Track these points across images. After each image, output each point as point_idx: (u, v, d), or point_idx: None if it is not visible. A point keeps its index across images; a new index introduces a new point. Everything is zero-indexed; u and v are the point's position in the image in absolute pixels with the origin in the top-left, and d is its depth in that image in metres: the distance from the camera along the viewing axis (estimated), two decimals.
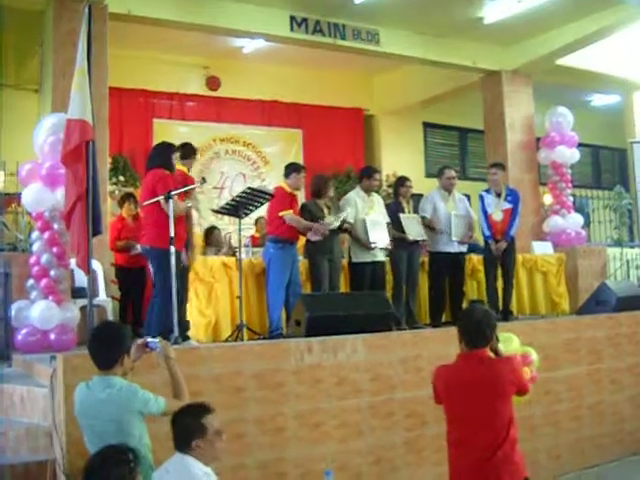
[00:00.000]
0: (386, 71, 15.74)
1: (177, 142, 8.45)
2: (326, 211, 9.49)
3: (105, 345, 4.72)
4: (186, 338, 7.87)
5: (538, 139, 14.00)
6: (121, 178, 12.86)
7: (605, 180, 20.08)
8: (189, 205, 7.80)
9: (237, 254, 8.84)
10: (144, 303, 10.20)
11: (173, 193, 7.23)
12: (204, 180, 7.97)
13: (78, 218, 6.75)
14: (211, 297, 8.78)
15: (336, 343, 6.94)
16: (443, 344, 7.61)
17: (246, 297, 8.94)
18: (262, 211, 10.50)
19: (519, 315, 11.38)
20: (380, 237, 9.54)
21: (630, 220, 15.89)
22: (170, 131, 13.78)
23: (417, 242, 10.01)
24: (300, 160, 14.17)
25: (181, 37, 12.82)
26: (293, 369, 6.69)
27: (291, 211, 8.95)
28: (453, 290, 10.33)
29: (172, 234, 7.12)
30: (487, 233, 10.27)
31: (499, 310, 9.98)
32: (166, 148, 8.05)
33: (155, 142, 13.24)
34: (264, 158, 15.09)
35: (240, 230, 8.45)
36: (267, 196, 8.37)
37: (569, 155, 13.48)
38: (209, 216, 12.01)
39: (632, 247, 15.02)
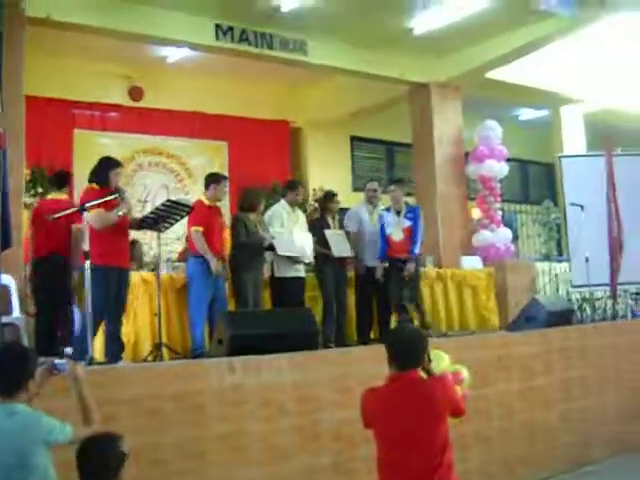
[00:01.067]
0: (313, 83, 15.44)
1: (99, 154, 8.15)
2: (259, 227, 9.25)
3: (6, 369, 4.32)
4: (118, 359, 7.57)
5: (466, 154, 13.86)
6: (39, 190, 12.35)
7: (533, 195, 20.05)
8: (119, 214, 7.45)
9: (151, 268, 8.53)
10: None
11: (87, 205, 6.94)
12: (119, 190, 7.56)
13: None
14: (129, 314, 8.38)
15: (259, 362, 6.62)
16: (373, 362, 7.30)
17: (167, 314, 8.64)
18: None
19: (448, 331, 11.23)
20: (307, 251, 9.31)
21: (559, 235, 15.87)
22: (91, 142, 13.40)
23: (343, 259, 9.80)
24: (225, 173, 13.83)
25: (103, 45, 12.38)
26: (214, 390, 6.34)
27: (200, 228, 8.61)
28: (380, 306, 10.10)
29: (86, 248, 6.80)
30: (381, 254, 10.03)
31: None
32: (103, 164, 7.86)
33: (75, 153, 13.13)
34: (188, 170, 14.69)
35: (159, 244, 8.08)
36: (187, 209, 8.01)
37: (498, 169, 13.39)
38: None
39: (560, 262, 14.96)
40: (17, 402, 4.25)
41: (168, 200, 7.89)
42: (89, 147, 13.03)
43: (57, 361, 4.67)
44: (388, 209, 10.13)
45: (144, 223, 7.97)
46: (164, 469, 6.01)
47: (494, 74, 13.80)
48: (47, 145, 13.06)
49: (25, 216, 10.88)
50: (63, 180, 8.90)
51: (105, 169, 7.71)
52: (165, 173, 14.55)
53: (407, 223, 9.95)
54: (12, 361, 4.33)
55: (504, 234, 13.27)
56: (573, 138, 16.52)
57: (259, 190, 9.80)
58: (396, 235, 9.88)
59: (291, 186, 9.89)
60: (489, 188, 13.36)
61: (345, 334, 9.81)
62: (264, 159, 15.17)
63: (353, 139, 17.15)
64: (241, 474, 6.37)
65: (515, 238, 14.56)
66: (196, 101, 14.64)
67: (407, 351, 4.58)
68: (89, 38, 11.64)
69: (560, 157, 13.64)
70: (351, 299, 10.30)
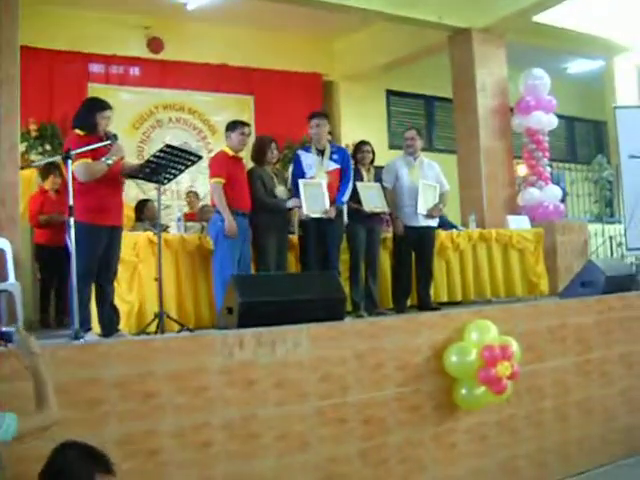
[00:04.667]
0: (346, 33, 14.38)
1: (115, 109, 7.19)
2: (276, 180, 8.35)
3: None
4: (115, 331, 6.75)
5: (511, 109, 12.74)
6: (47, 147, 11.50)
7: (581, 154, 18.80)
8: (109, 162, 6.48)
9: (163, 228, 7.64)
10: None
11: (72, 153, 5.98)
12: (109, 136, 6.61)
13: None
14: (134, 280, 7.47)
15: (274, 335, 5.65)
16: (408, 333, 6.43)
17: (176, 280, 7.77)
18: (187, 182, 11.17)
19: (493, 297, 10.28)
20: (317, 204, 8.27)
21: (610, 193, 14.78)
22: (107, 97, 12.02)
23: (377, 215, 8.80)
24: (251, 129, 12.94)
25: None
26: (220, 368, 5.40)
27: (222, 179, 7.73)
28: (419, 270, 9.11)
29: (71, 203, 5.84)
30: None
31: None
32: (88, 106, 6.94)
33: None
34: (212, 127, 13.66)
35: (160, 198, 7.10)
36: (192, 157, 6.99)
37: (546, 121, 12.27)
38: (150, 190, 10.76)
39: (612, 223, 13.91)
40: None
41: (167, 146, 6.79)
42: None
43: (4, 329, 3.74)
44: (306, 148, 8.76)
45: (140, 173, 6.93)
46: (161, 461, 5.12)
47: (542, 18, 12.57)
48: (59, 100, 12.20)
49: (30, 175, 10.16)
50: None
51: (91, 112, 6.73)
52: (186, 130, 13.56)
53: (333, 165, 8.53)
54: None
55: (553, 192, 12.17)
56: (626, 92, 15.24)
57: (267, 138, 8.73)
58: (320, 179, 8.43)
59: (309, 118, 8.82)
60: (536, 142, 12.26)
61: (377, 301, 8.83)
62: (294, 114, 14.04)
63: (389, 93, 16.02)
64: (251, 467, 5.46)
65: (564, 197, 13.46)
66: (220, 52, 13.65)
67: None
68: None
69: (615, 108, 12.56)
70: (386, 262, 9.35)
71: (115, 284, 7.02)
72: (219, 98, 13.91)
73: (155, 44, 13.30)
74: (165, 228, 8.57)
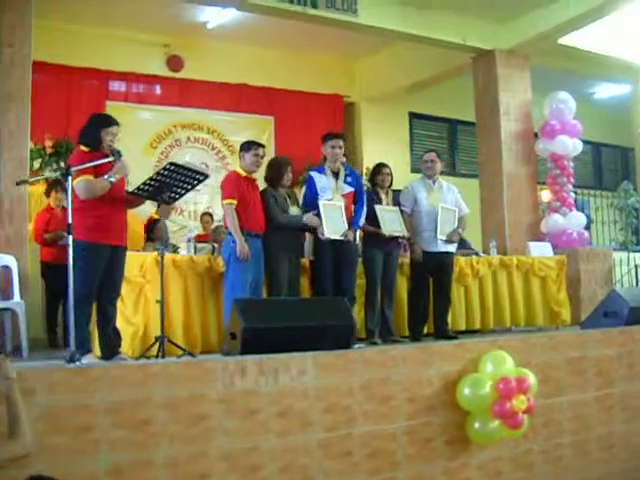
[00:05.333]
0: (369, 54, 14.27)
1: (133, 128, 7.02)
2: (289, 201, 8.15)
3: None
4: (115, 354, 6.55)
5: (535, 134, 12.49)
6: (62, 164, 11.35)
7: (607, 181, 18.52)
8: (112, 180, 6.31)
9: (174, 249, 7.44)
10: None
11: (73, 169, 5.81)
12: (114, 152, 6.42)
13: None
14: (139, 301, 7.28)
15: (278, 363, 5.39)
16: (419, 364, 6.15)
17: (184, 302, 7.57)
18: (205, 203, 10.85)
19: (512, 326, 10.01)
20: (337, 226, 8.04)
21: (637, 220, 14.45)
22: (125, 115, 12.25)
23: (395, 239, 8.56)
24: (271, 150, 12.81)
25: (139, 11, 11.61)
26: (220, 397, 5.14)
27: (234, 201, 7.54)
28: (437, 297, 8.85)
29: (70, 220, 5.66)
30: None
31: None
32: (93, 122, 6.74)
33: None
34: (231, 147, 13.47)
35: (163, 217, 6.92)
36: (198, 176, 6.77)
37: (571, 146, 12.00)
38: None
39: (638, 251, 13.59)
40: None
41: (171, 164, 6.59)
42: (123, 121, 11.81)
43: None
44: (320, 169, 8.40)
45: (142, 192, 6.68)
46: None
47: (568, 40, 12.33)
48: (77, 117, 12.04)
49: (41, 192, 10.02)
50: None
51: (96, 127, 6.55)
52: (205, 149, 13.45)
53: (348, 188, 8.31)
54: None
55: (577, 219, 11.90)
56: None
57: (283, 159, 8.53)
58: (336, 201, 8.20)
59: (325, 138, 8.55)
60: (561, 167, 12.01)
61: (393, 328, 8.58)
62: (314, 136, 13.78)
63: (412, 116, 15.82)
64: None
65: (588, 224, 13.17)
66: (240, 72, 13.56)
67: None
68: (123, 4, 11.03)
69: None
70: (402, 288, 9.12)
71: (120, 306, 6.85)
72: (239, 118, 13.80)
73: (175, 63, 13.22)
74: (176, 249, 8.37)
